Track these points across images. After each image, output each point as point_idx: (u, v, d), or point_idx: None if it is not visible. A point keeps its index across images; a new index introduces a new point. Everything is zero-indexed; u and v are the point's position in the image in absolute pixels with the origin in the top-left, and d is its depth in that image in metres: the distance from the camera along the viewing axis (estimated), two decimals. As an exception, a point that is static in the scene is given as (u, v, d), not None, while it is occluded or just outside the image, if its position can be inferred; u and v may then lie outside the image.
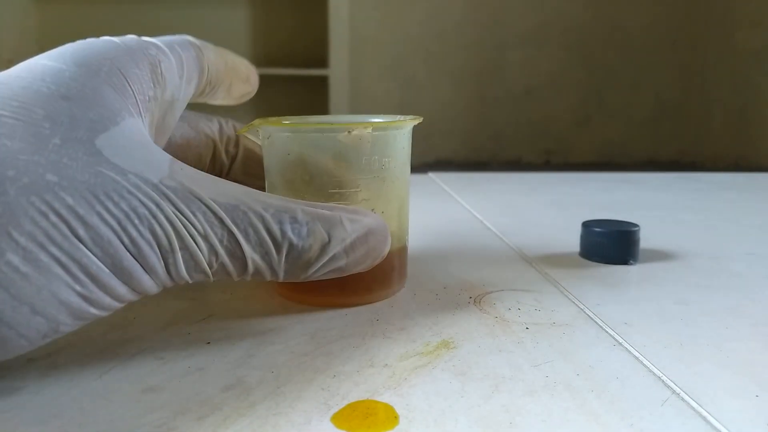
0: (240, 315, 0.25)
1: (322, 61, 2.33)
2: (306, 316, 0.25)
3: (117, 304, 0.19)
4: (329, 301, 0.26)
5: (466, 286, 0.29)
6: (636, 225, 0.34)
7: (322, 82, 2.31)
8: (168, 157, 0.20)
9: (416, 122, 0.27)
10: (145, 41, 0.23)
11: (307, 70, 2.31)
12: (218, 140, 0.29)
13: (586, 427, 0.17)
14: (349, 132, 0.25)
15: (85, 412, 0.17)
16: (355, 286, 0.26)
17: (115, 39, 0.22)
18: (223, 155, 0.30)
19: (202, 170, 0.29)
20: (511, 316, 0.25)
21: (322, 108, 2.31)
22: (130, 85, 0.21)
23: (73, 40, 0.22)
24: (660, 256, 0.35)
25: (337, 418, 0.17)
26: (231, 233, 0.20)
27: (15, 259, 0.17)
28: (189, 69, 0.24)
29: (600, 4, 2.64)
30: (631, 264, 0.33)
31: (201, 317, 0.25)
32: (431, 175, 0.66)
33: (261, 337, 0.23)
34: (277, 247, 0.21)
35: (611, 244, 0.33)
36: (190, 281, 0.20)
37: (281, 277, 0.22)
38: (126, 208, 0.18)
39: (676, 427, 0.17)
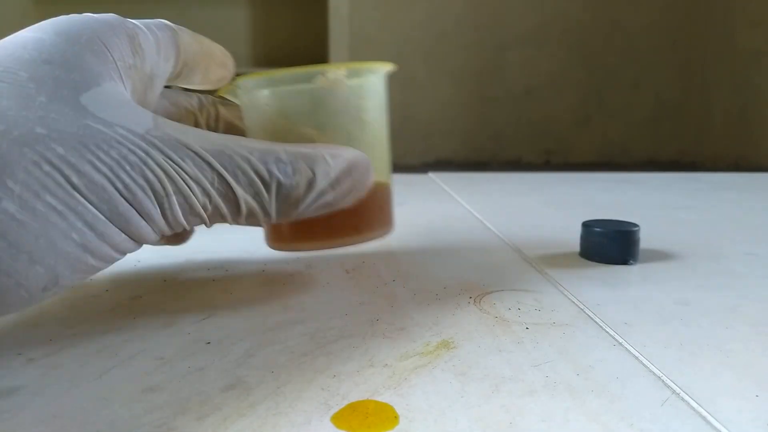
0: (240, 315, 0.25)
1: (322, 61, 2.33)
2: (306, 316, 0.25)
3: (116, 255, 0.19)
4: (319, 245, 0.27)
5: (466, 286, 0.29)
6: (636, 225, 0.34)
7: (322, 82, 2.31)
8: (151, 113, 0.21)
9: (390, 68, 0.27)
10: (123, 18, 0.24)
11: (307, 70, 2.31)
12: (198, 114, 0.30)
13: (586, 427, 0.17)
14: (323, 75, 0.25)
15: (85, 412, 0.17)
16: (342, 226, 0.27)
17: (93, 15, 0.23)
18: (205, 128, 0.30)
19: None
20: (511, 316, 0.25)
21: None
22: (109, 52, 0.21)
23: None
24: (660, 256, 0.35)
25: (338, 418, 0.17)
26: (221, 176, 0.21)
27: (11, 207, 0.17)
28: (166, 47, 0.25)
29: (600, 4, 2.64)
30: (631, 264, 0.33)
31: (201, 317, 0.25)
32: (431, 175, 0.66)
33: (261, 337, 0.23)
34: (267, 186, 0.22)
35: (611, 244, 0.33)
36: (188, 227, 0.21)
37: (274, 217, 0.23)
38: (117, 156, 0.19)
39: (676, 427, 0.17)
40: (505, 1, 2.60)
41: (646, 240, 0.35)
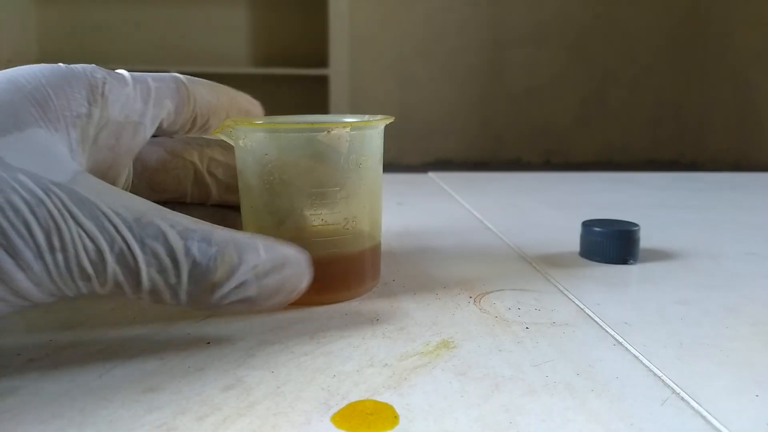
0: (240, 315, 0.25)
1: (323, 61, 2.33)
2: (306, 316, 0.25)
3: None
4: (305, 299, 0.26)
5: (466, 286, 0.29)
6: (636, 225, 0.34)
7: (323, 82, 2.31)
8: (79, 169, 0.20)
9: (388, 121, 0.27)
10: (96, 67, 0.23)
11: (307, 70, 2.31)
12: (198, 163, 0.29)
13: (586, 427, 0.17)
14: (328, 132, 0.25)
15: (85, 413, 0.17)
16: (331, 284, 0.26)
17: (61, 65, 0.22)
18: (207, 177, 0.29)
19: (182, 194, 0.28)
20: (511, 315, 0.25)
21: (323, 108, 2.31)
22: (53, 100, 0.21)
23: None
24: (660, 256, 0.35)
25: (337, 418, 0.17)
26: (124, 239, 0.19)
27: None
28: (158, 95, 0.25)
29: (600, 4, 2.64)
30: (631, 264, 0.33)
31: (201, 317, 0.25)
32: (431, 175, 0.66)
33: (261, 337, 0.23)
34: (176, 263, 0.20)
35: (611, 243, 0.33)
36: (83, 289, 0.19)
37: (183, 300, 0.20)
38: (0, 199, 0.18)
39: (676, 427, 0.17)
40: (505, 1, 2.60)
41: (646, 240, 0.35)
